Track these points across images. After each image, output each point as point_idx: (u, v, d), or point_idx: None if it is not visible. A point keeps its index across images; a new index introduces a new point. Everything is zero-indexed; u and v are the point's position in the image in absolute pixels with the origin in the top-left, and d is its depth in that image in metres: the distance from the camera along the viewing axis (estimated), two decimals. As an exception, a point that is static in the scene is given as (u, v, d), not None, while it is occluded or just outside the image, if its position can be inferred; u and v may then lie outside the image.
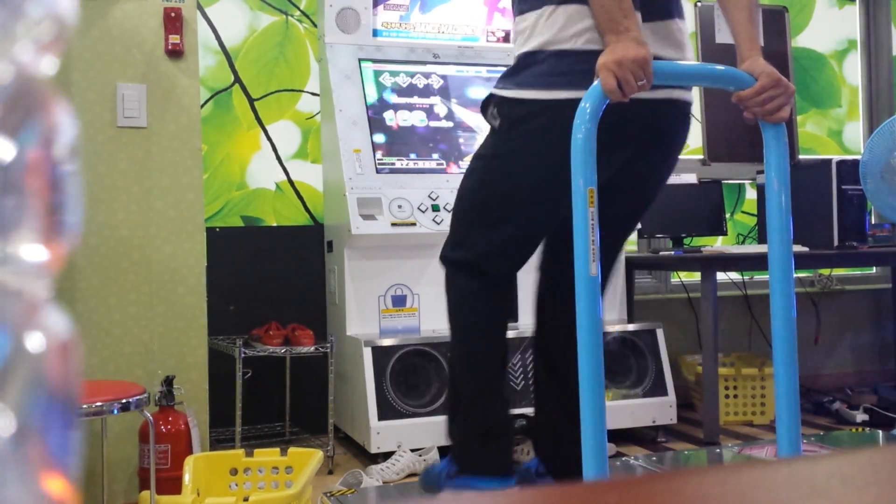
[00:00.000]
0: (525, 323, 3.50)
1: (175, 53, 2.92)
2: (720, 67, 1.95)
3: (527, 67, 2.02)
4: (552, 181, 2.00)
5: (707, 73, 2.03)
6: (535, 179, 2.05)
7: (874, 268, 4.80)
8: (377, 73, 3.63)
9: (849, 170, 3.67)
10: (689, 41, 2.16)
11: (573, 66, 1.95)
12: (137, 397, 2.25)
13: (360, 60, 3.62)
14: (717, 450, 3.17)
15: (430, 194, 3.40)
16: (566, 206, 2.08)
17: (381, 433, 3.10)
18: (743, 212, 4.61)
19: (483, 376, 2.17)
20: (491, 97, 2.11)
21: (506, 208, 2.10)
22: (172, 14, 2.89)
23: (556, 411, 2.25)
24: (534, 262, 2.24)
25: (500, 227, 2.11)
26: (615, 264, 2.33)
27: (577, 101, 1.83)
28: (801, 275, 4.45)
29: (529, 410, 3.20)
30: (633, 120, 1.98)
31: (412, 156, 3.53)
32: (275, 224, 3.81)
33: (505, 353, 2.23)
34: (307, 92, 3.87)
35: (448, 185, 3.45)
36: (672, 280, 4.41)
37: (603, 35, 1.88)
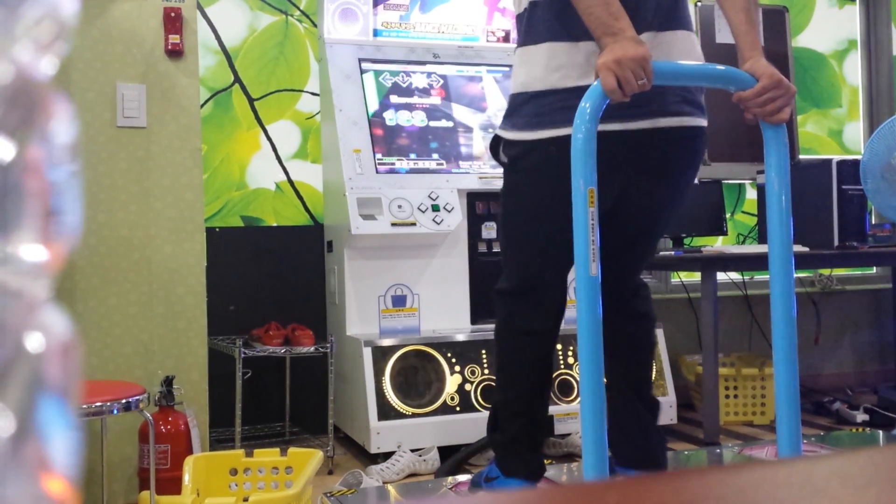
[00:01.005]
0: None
1: (175, 53, 2.92)
2: (721, 67, 1.95)
3: (516, 108, 2.14)
4: (554, 212, 2.08)
5: (708, 73, 2.02)
6: (541, 211, 2.15)
7: (874, 268, 4.80)
8: (377, 73, 3.63)
9: (849, 170, 3.67)
10: (700, 53, 2.18)
11: (552, 106, 2.04)
12: (137, 397, 2.25)
13: (360, 60, 3.62)
14: (718, 450, 3.17)
15: (430, 194, 3.40)
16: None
17: (381, 433, 3.10)
18: (743, 212, 4.61)
19: (524, 399, 2.29)
20: (496, 138, 2.24)
21: (526, 239, 2.21)
22: (172, 14, 2.89)
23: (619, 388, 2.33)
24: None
25: (527, 257, 2.23)
26: (636, 300, 2.37)
27: (558, 139, 1.96)
28: (802, 275, 4.44)
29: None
30: (614, 150, 2.02)
31: (412, 156, 3.53)
32: (275, 224, 3.81)
33: (549, 379, 2.34)
34: (307, 92, 3.87)
35: (448, 184, 3.45)
36: (672, 280, 4.41)
37: (598, 39, 1.90)
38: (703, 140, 2.17)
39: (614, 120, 1.99)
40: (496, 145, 2.24)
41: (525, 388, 2.28)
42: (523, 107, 2.10)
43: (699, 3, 4.23)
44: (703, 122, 2.16)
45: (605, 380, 2.38)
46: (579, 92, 1.83)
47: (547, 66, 2.04)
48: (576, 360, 3.27)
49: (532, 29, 2.09)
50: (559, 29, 2.03)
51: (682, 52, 2.09)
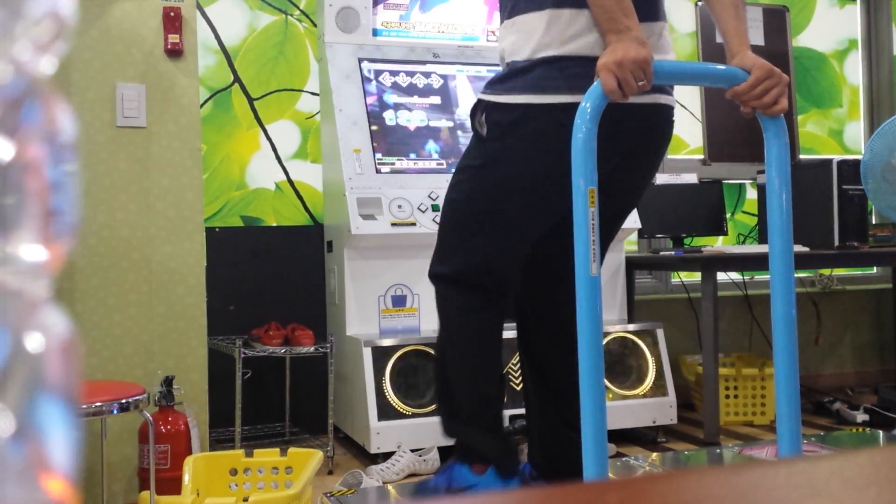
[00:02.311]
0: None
1: (174, 53, 2.92)
2: (720, 66, 1.95)
3: (517, 73, 2.01)
4: (546, 185, 2.00)
5: (707, 73, 2.03)
6: (529, 185, 2.03)
7: (875, 268, 4.80)
8: (377, 73, 3.63)
9: (849, 170, 3.67)
10: (671, 44, 2.16)
11: (564, 71, 1.96)
12: (137, 397, 2.25)
13: (359, 60, 3.62)
14: (718, 450, 3.17)
15: (429, 194, 3.40)
16: (561, 209, 2.07)
17: (381, 433, 3.10)
18: (743, 212, 4.61)
19: (481, 390, 2.16)
20: (478, 103, 2.09)
21: (498, 218, 2.07)
22: (172, 14, 2.89)
23: (547, 415, 2.24)
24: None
25: (493, 238, 2.09)
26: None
27: (569, 105, 1.84)
28: (802, 275, 4.44)
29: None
30: (624, 125, 1.98)
31: (412, 156, 3.53)
32: (274, 224, 3.81)
33: (500, 367, 2.23)
34: (307, 91, 3.87)
35: (448, 185, 3.44)
36: (672, 280, 4.41)
37: (603, 35, 1.88)
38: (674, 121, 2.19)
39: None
40: (475, 111, 2.10)
41: (486, 384, 2.15)
42: (528, 71, 1.98)
43: (699, 3, 4.22)
44: (674, 102, 2.17)
45: (526, 399, 2.28)
46: (590, 61, 1.82)
47: (557, 34, 1.95)
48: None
49: None
50: None
51: (665, 44, 2.09)
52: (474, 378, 2.16)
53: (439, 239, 2.19)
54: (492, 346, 2.17)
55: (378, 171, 3.42)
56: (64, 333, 0.27)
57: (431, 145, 3.58)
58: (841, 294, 4.63)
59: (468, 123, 3.62)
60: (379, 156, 3.46)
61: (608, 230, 2.19)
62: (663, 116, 2.10)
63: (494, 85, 2.07)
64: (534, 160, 2.00)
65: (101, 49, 2.85)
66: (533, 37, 1.98)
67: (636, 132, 2.05)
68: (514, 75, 2.02)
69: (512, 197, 2.05)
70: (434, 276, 2.19)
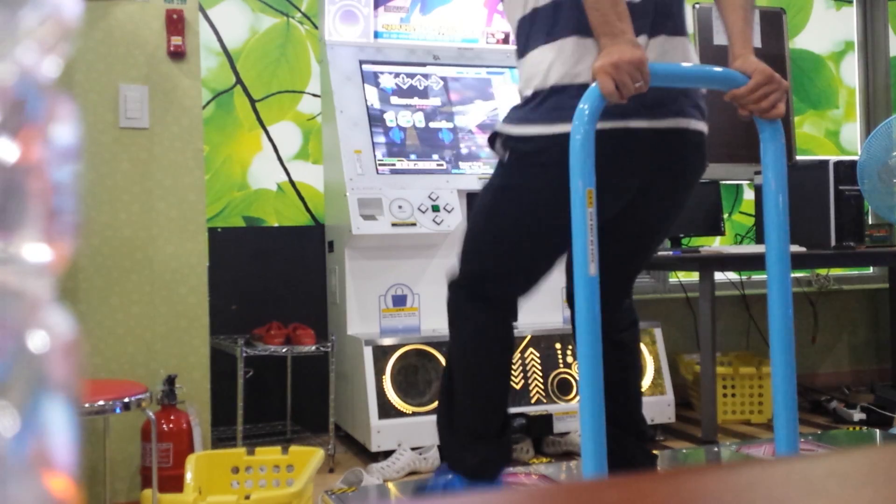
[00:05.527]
0: (524, 323, 3.52)
1: (177, 55, 2.93)
2: (718, 69, 1.96)
3: (530, 104, 2.04)
4: (561, 213, 2.02)
5: (704, 75, 2.02)
6: (544, 211, 2.05)
7: (871, 268, 4.82)
8: (378, 75, 3.65)
9: (846, 170, 3.68)
10: (696, 59, 2.15)
11: (574, 99, 1.96)
12: (139, 396, 2.26)
13: (360, 62, 3.63)
14: (715, 448, 3.19)
15: (430, 195, 3.42)
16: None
17: (382, 432, 3.12)
18: (741, 212, 4.62)
19: (486, 398, 2.20)
20: (496, 134, 2.12)
21: (515, 237, 2.11)
22: (174, 16, 2.90)
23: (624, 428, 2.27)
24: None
25: (508, 255, 2.13)
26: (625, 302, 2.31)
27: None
28: (799, 275, 4.46)
29: (529, 409, 3.24)
30: (636, 149, 1.98)
31: (412, 156, 3.54)
32: (276, 224, 3.82)
33: (508, 375, 2.26)
34: (308, 93, 3.88)
35: (448, 185, 3.46)
36: (670, 280, 4.42)
37: (598, 38, 1.89)
38: (705, 147, 2.14)
39: (642, 117, 1.95)
40: (493, 139, 2.14)
41: (491, 394, 2.19)
42: (541, 101, 2.01)
43: (697, 5, 4.24)
44: (705, 129, 2.16)
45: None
46: None
47: (568, 64, 1.97)
48: (575, 359, 3.29)
49: (556, 25, 1.99)
50: (587, 24, 1.93)
51: (681, 58, 2.08)
52: (480, 391, 2.19)
53: (460, 255, 2.24)
54: (499, 358, 2.21)
55: (378, 172, 3.44)
56: (67, 333, 0.27)
57: (431, 146, 3.60)
58: (837, 294, 4.65)
59: (468, 125, 3.66)
60: (379, 157, 3.48)
61: (634, 255, 2.22)
62: (686, 142, 2.04)
63: (510, 115, 2.11)
64: (549, 188, 2.01)
65: (105, 51, 2.86)
66: (542, 68, 2.00)
67: (651, 158, 2.01)
68: (527, 105, 2.05)
69: (527, 219, 2.09)
70: (451, 283, 2.23)
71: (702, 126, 2.09)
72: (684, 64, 2.03)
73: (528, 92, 2.05)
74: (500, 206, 2.13)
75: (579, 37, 1.96)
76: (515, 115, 2.09)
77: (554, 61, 1.99)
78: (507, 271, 2.15)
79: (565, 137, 1.93)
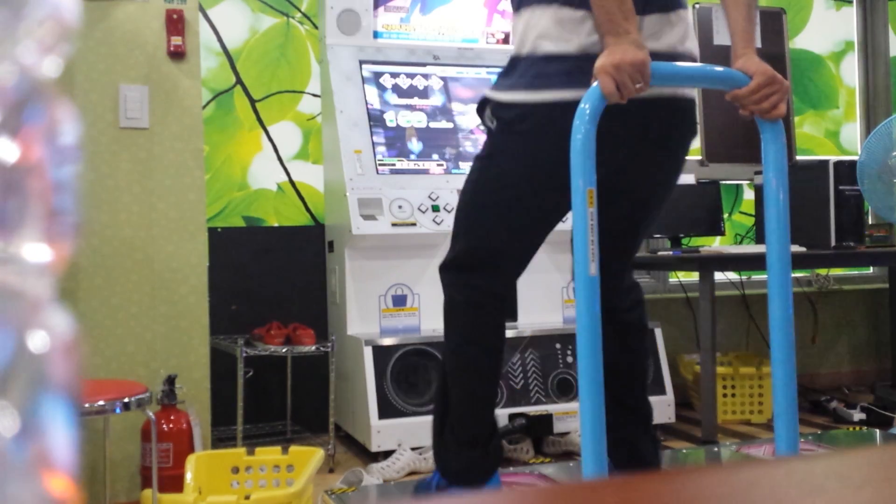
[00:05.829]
0: (524, 323, 3.52)
1: (177, 55, 2.93)
2: (719, 69, 1.96)
3: (516, 70, 2.03)
4: (544, 183, 2.00)
5: (705, 75, 2.03)
6: (528, 181, 2.04)
7: (871, 268, 4.82)
8: (378, 75, 3.65)
9: (846, 170, 3.68)
10: (693, 32, 2.14)
11: (559, 69, 1.95)
12: (139, 396, 2.26)
13: (360, 62, 3.63)
14: (716, 448, 3.19)
15: (430, 195, 3.42)
16: (560, 209, 2.08)
17: (382, 432, 3.12)
18: (741, 212, 4.62)
19: (476, 388, 2.18)
20: (486, 100, 2.11)
21: (500, 208, 2.08)
22: (174, 16, 2.90)
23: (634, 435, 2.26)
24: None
25: (495, 227, 2.10)
26: (626, 274, 2.31)
27: (562, 103, 1.86)
28: (799, 275, 4.46)
29: (529, 409, 3.24)
30: (627, 117, 1.95)
31: (412, 156, 3.54)
32: (276, 224, 3.83)
33: (499, 365, 2.23)
34: (308, 93, 3.88)
35: (448, 185, 3.46)
36: (670, 280, 4.42)
37: (602, 36, 1.89)
38: (695, 112, 2.13)
39: None
40: (483, 107, 2.11)
41: (481, 382, 2.17)
42: (525, 68, 2.00)
43: (697, 5, 4.24)
44: (695, 95, 2.14)
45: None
46: (588, 59, 1.83)
47: (555, 31, 1.96)
48: (575, 359, 3.29)
49: None
50: None
51: (685, 32, 2.07)
52: (470, 377, 2.17)
53: (453, 231, 2.20)
54: (490, 345, 2.18)
55: (378, 172, 3.44)
56: (67, 333, 0.27)
57: (431, 146, 3.60)
58: (838, 294, 4.65)
59: (468, 124, 3.66)
60: (379, 157, 3.48)
61: (629, 228, 2.17)
62: (676, 109, 2.05)
63: (498, 81, 2.09)
64: (531, 157, 2.01)
65: (105, 51, 2.86)
66: (535, 31, 1.99)
67: (641, 126, 2.00)
68: (512, 70, 2.04)
69: (511, 189, 2.06)
70: (441, 266, 2.19)
71: (688, 93, 2.09)
72: (685, 64, 2.03)
73: (518, 53, 2.03)
74: (483, 175, 2.10)
75: (571, 8, 1.95)
76: (501, 81, 2.07)
77: (543, 29, 1.97)
78: (493, 246, 2.11)
79: (546, 106, 1.94)
